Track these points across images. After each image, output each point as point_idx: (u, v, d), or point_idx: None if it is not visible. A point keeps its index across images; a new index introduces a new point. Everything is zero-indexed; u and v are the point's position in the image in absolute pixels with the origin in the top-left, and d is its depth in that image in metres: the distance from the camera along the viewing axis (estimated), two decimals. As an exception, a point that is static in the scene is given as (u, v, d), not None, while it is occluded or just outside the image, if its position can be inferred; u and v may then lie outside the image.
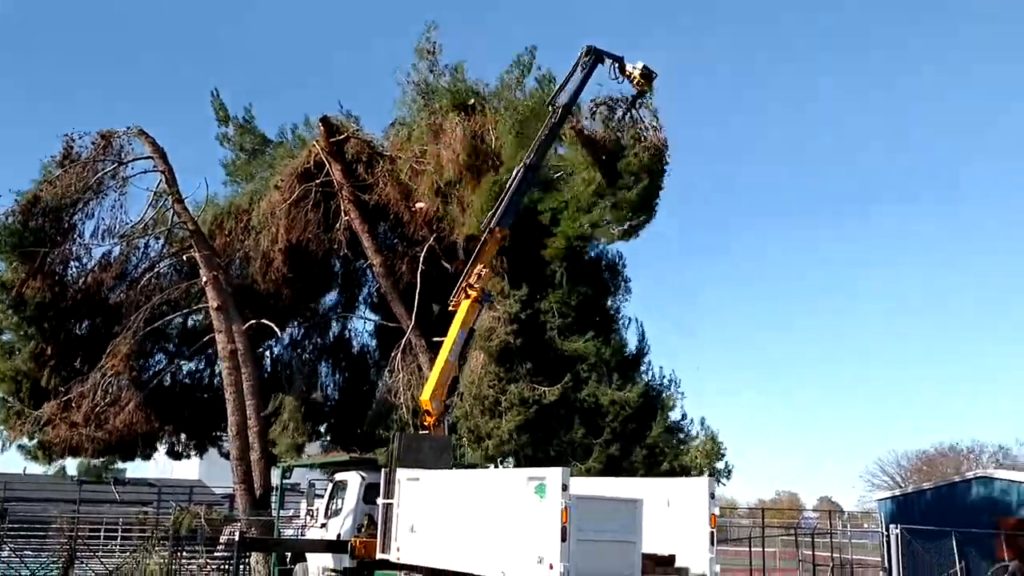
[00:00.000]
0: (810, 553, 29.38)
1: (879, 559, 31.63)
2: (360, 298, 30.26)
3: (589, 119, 20.92)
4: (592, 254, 24.58)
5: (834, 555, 30.05)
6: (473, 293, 17.31)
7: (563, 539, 10.50)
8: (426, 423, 16.29)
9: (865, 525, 40.35)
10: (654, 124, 21.00)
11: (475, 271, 17.57)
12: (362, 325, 30.40)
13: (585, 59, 19.31)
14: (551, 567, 10.50)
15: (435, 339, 23.14)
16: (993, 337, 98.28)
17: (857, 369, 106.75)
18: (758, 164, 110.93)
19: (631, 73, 20.02)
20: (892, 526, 30.19)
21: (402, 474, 13.97)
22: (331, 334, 29.94)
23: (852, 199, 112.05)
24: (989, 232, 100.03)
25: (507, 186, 18.95)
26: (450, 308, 17.95)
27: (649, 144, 20.53)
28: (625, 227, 21.60)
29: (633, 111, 21.00)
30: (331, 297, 29.66)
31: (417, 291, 23.75)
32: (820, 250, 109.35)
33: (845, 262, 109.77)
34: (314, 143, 25.53)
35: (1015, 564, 25.02)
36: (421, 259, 24.19)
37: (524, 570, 10.92)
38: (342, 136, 25.03)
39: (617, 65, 19.90)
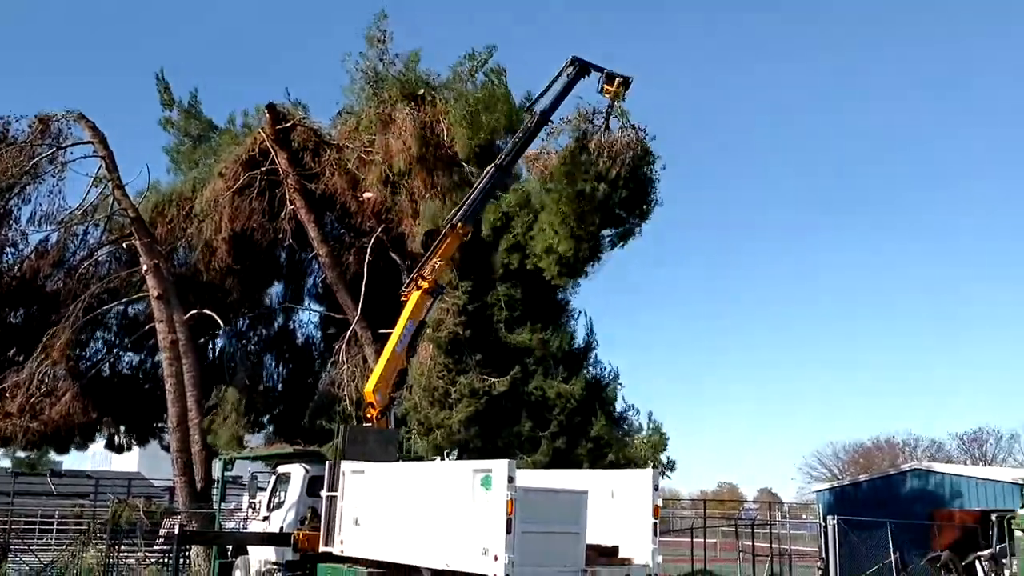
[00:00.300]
0: (750, 544, 29.87)
1: (817, 549, 32.32)
2: (305, 289, 29.95)
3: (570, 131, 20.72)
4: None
5: (773, 546, 30.61)
6: (425, 285, 17.19)
7: (508, 531, 10.52)
8: (369, 416, 16.16)
9: (803, 516, 41.25)
10: (633, 126, 20.74)
11: (430, 264, 17.44)
12: (307, 316, 30.12)
13: (569, 69, 19.03)
14: (496, 559, 10.52)
15: (382, 331, 23.01)
16: (929, 333, 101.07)
17: (796, 363, 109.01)
18: (687, 150, 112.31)
19: (611, 77, 19.60)
20: (830, 517, 30.86)
21: (346, 466, 13.86)
22: (275, 325, 29.59)
23: (794, 185, 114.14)
24: (929, 226, 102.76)
25: (475, 184, 18.82)
26: (401, 299, 17.81)
27: (631, 146, 20.34)
28: (621, 230, 21.65)
29: (611, 119, 20.63)
30: (276, 288, 29.33)
31: (364, 282, 23.56)
32: (763, 241, 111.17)
33: (788, 254, 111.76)
34: (260, 130, 25.15)
35: (947, 554, 25.73)
36: (368, 250, 23.99)
37: (469, 562, 10.93)
38: (288, 124, 24.70)
39: (603, 77, 19.57)
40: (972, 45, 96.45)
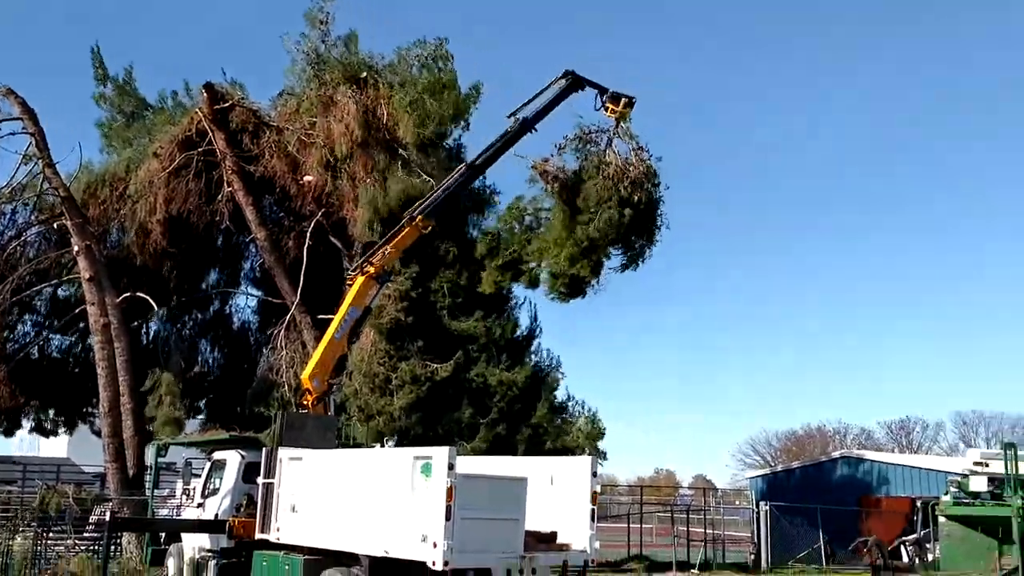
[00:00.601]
0: (685, 529, 30.41)
1: (749, 534, 33.05)
2: (243, 273, 29.53)
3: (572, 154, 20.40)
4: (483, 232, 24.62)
5: (707, 531, 31.17)
6: (371, 270, 16.86)
7: (447, 518, 10.51)
8: (306, 402, 15.99)
9: (737, 502, 42.09)
10: (638, 148, 20.35)
11: (382, 251, 17.12)
12: (244, 301, 29.69)
13: (561, 81, 18.44)
14: (435, 545, 10.50)
15: (321, 316, 22.78)
16: (859, 325, 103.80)
17: (732, 352, 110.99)
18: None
19: (615, 99, 19.17)
20: (762, 503, 31.60)
21: (284, 453, 13.68)
22: (211, 309, 29.11)
23: (717, 171, 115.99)
24: (862, 215, 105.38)
25: (444, 181, 18.47)
26: (346, 284, 17.56)
27: (639, 172, 19.99)
28: (631, 254, 21.36)
29: (613, 141, 20.29)
30: (212, 271, 28.80)
31: (303, 267, 23.27)
32: (693, 225, 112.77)
33: (719, 239, 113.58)
34: (196, 110, 24.62)
35: (874, 539, 26.53)
36: (308, 234, 23.71)
37: (408, 549, 10.89)
38: (226, 104, 24.21)
39: (606, 97, 19.11)
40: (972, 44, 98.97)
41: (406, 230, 17.31)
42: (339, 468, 12.86)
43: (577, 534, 12.33)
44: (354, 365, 21.28)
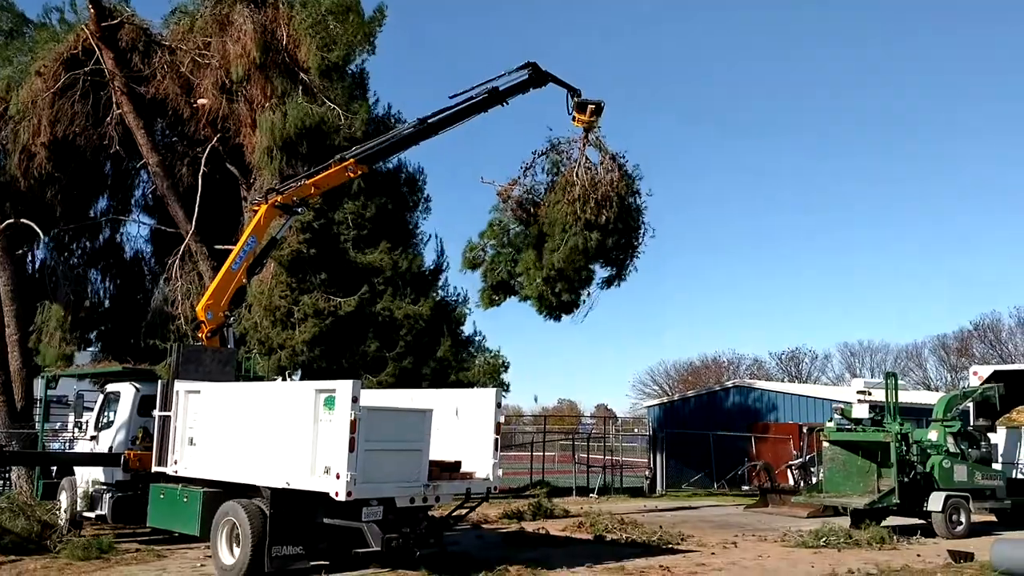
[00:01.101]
0: (585, 456, 31.31)
1: (647, 460, 34.27)
2: (134, 200, 28.26)
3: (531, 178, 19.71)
4: (390, 166, 24.20)
5: (606, 457, 32.16)
6: (278, 199, 16.22)
7: (351, 450, 10.53)
8: (201, 335, 15.60)
9: (635, 430, 43.46)
10: (612, 157, 19.53)
11: (298, 184, 16.45)
12: (137, 229, 28.55)
13: (522, 72, 17.18)
14: (338, 476, 10.52)
15: (218, 247, 22.13)
16: (752, 258, 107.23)
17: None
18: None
19: (582, 106, 18.18)
20: (659, 430, 32.77)
21: (181, 386, 13.39)
22: (101, 238, 27.86)
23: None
24: (760, 144, 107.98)
25: (392, 132, 17.48)
26: (248, 212, 16.97)
27: (607, 188, 19.15)
28: (614, 271, 20.79)
29: (585, 152, 19.40)
30: (102, 198, 27.51)
31: (198, 195, 22.47)
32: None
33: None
34: (82, 27, 23.14)
35: (762, 463, 27.86)
36: (203, 160, 22.84)
37: (311, 480, 10.89)
38: (115, 21, 22.82)
39: (571, 96, 18.07)
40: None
41: (333, 169, 16.54)
42: (239, 401, 12.68)
43: (481, 463, 12.53)
44: (254, 298, 20.80)
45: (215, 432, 12.60)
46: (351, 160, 16.53)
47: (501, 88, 16.98)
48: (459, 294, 24.69)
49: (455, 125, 17.09)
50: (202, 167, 22.70)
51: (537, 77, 17.31)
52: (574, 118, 18.52)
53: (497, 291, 20.69)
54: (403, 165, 24.51)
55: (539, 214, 19.50)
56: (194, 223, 22.65)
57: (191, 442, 12.94)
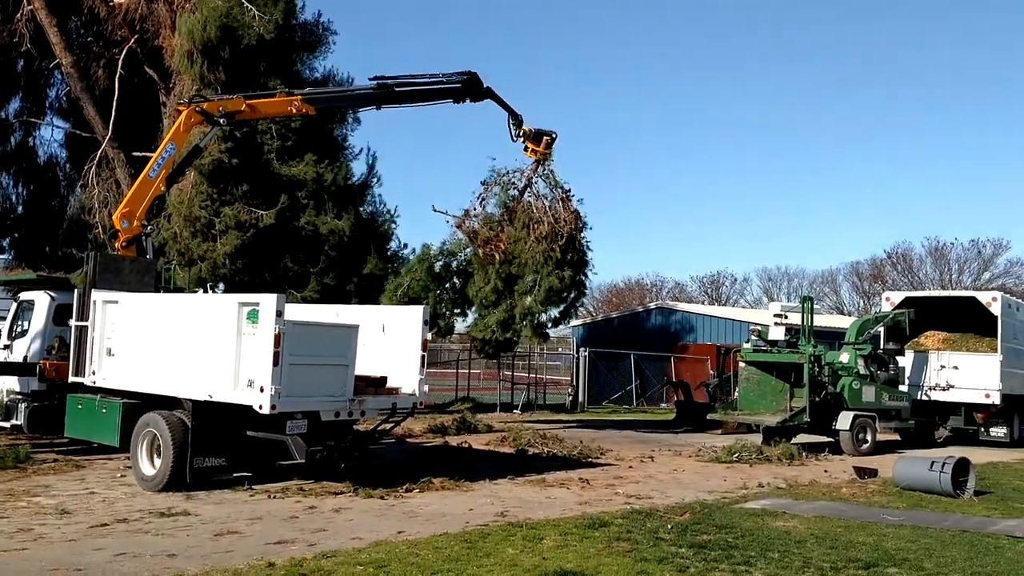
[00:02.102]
0: (510, 374, 31.76)
1: (570, 378, 34.98)
2: (48, 102, 27.02)
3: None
4: (318, 75, 23.45)
5: (531, 375, 32.71)
6: (203, 105, 15.49)
7: (275, 363, 10.46)
8: (116, 244, 15.12)
9: (560, 349, 44.14)
10: (565, 195, 19.35)
11: (232, 99, 15.75)
12: (51, 133, 27.39)
13: (459, 76, 16.59)
14: (262, 390, 10.48)
15: (137, 154, 21.34)
16: (676, 181, 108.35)
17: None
18: None
19: (527, 133, 17.72)
20: (582, 349, 33.40)
21: (98, 295, 13.02)
22: (13, 140, 26.63)
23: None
24: (682, 60, 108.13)
25: (349, 88, 16.93)
26: (168, 118, 16.28)
27: (570, 225, 19.10)
28: (561, 309, 20.72)
29: (533, 183, 19.20)
30: (13, 99, 26.15)
31: (115, 98, 21.53)
32: (536, 75, 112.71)
33: (554, 87, 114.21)
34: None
35: (680, 381, 28.70)
36: (120, 63, 21.81)
37: (234, 393, 10.81)
38: (23, -93, 21.38)
39: (513, 121, 17.58)
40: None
41: (277, 99, 16.07)
42: (160, 312, 12.43)
43: (407, 379, 12.60)
44: (173, 207, 20.19)
45: (135, 343, 12.36)
46: (298, 97, 16.05)
47: (433, 88, 16.65)
48: (388, 210, 24.34)
49: (405, 104, 16.69)
50: (119, 70, 21.72)
51: (470, 89, 16.77)
52: (526, 148, 18.21)
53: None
54: (332, 75, 23.77)
55: (498, 249, 19.29)
56: (111, 128, 21.77)
57: (109, 353, 12.68)
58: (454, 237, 20.71)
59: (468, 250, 20.75)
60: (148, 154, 16.49)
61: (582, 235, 19.95)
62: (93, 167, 21.97)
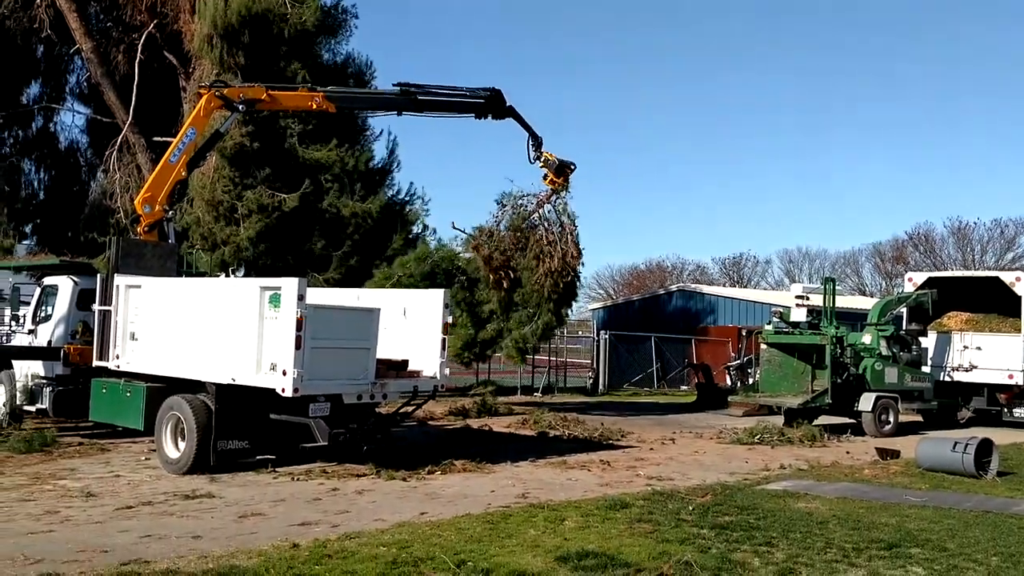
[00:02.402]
0: (531, 357, 31.72)
1: (590, 361, 34.94)
2: (68, 88, 27.23)
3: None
4: (338, 60, 23.44)
5: (552, 358, 32.68)
6: (224, 91, 15.48)
7: (298, 347, 10.51)
8: (139, 229, 15.21)
9: (580, 332, 44.10)
10: (571, 225, 19.40)
11: (254, 87, 15.78)
12: (71, 119, 27.59)
13: (483, 91, 16.88)
14: (284, 373, 10.54)
15: (157, 139, 21.42)
16: (698, 164, 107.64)
17: (582, 190, 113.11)
18: None
19: (549, 162, 17.90)
20: (602, 332, 33.33)
21: (121, 280, 13.13)
22: (34, 126, 26.85)
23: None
24: (700, 50, 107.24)
25: (373, 90, 17.54)
26: (187, 103, 16.31)
27: (574, 258, 19.27)
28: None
29: (543, 209, 19.19)
30: (34, 84, 26.33)
31: (135, 83, 21.61)
32: (510, 60, 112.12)
33: (567, 75, 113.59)
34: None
35: (701, 363, 28.62)
36: (140, 47, 21.87)
37: (257, 377, 10.88)
38: None
39: (532, 143, 17.69)
40: None
41: (299, 93, 16.14)
42: (183, 297, 12.51)
43: (428, 362, 12.64)
44: (195, 192, 20.30)
45: (158, 327, 12.45)
46: (320, 94, 16.07)
47: (456, 101, 16.87)
48: (412, 192, 24.35)
49: (426, 113, 16.83)
50: (139, 54, 21.80)
51: (493, 106, 17.01)
52: (546, 176, 18.34)
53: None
54: (351, 58, 23.76)
55: (507, 278, 19.40)
56: (131, 113, 21.87)
57: (133, 337, 12.78)
58: (464, 249, 20.89)
59: (465, 255, 20.94)
60: (169, 139, 16.52)
61: (580, 268, 20.19)
62: (114, 152, 22.10)
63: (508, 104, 17.14)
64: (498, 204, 19.80)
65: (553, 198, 19.15)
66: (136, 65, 21.85)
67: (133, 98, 21.92)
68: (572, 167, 18.47)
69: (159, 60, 22.94)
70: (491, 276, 19.46)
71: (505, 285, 19.39)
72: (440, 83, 16.81)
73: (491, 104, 17.00)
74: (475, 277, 20.40)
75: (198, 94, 16.29)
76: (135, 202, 15.53)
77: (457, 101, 17.02)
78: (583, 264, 20.15)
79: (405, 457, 12.41)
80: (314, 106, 16.15)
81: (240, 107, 15.59)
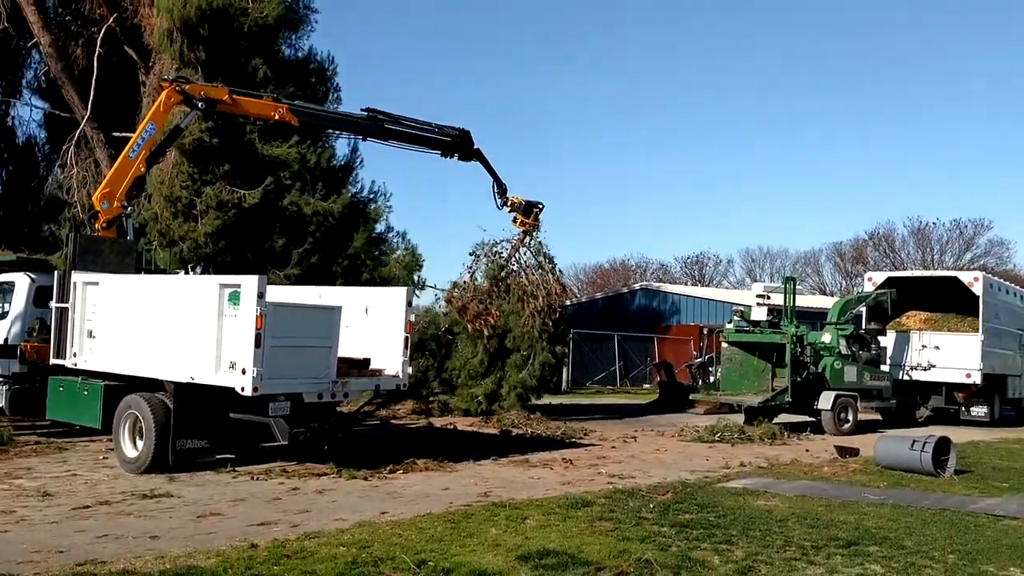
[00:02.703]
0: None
1: (554, 360, 34.99)
2: (25, 82, 26.63)
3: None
4: (299, 55, 23.20)
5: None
6: (185, 87, 15.24)
7: (257, 345, 10.40)
8: (96, 225, 14.95)
9: (544, 330, 44.14)
10: (550, 264, 19.48)
11: (217, 87, 15.56)
12: (29, 113, 27.08)
13: (452, 131, 17.06)
14: (244, 372, 10.43)
15: (116, 134, 21.10)
16: (659, 162, 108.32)
17: (546, 189, 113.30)
18: None
19: (516, 205, 18.37)
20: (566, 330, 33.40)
21: (78, 277, 12.91)
22: (-11, 121, 26.29)
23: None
24: (660, 46, 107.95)
25: (337, 110, 17.71)
26: (147, 97, 16.03)
27: (557, 299, 19.27)
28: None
29: (520, 252, 19.30)
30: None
31: (94, 78, 21.24)
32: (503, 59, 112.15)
33: (523, 75, 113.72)
34: None
35: (663, 361, 28.81)
36: (99, 41, 21.50)
37: (216, 376, 10.76)
38: None
39: (497, 189, 18.20)
40: None
41: (262, 101, 15.93)
42: (141, 294, 12.33)
43: (391, 361, 12.58)
44: (153, 188, 19.97)
45: (116, 325, 12.27)
46: (285, 106, 15.94)
47: (423, 135, 17.03)
48: (375, 190, 24.17)
49: (391, 142, 16.93)
50: (98, 48, 21.44)
51: (460, 146, 17.33)
52: (516, 219, 18.75)
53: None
54: (312, 54, 23.51)
55: (487, 324, 19.26)
56: (90, 108, 21.50)
57: (90, 335, 12.59)
58: (440, 304, 21.01)
59: (444, 310, 20.90)
60: (128, 134, 16.26)
61: (567, 304, 20.21)
62: (72, 147, 21.73)
63: (476, 147, 17.42)
64: (472, 255, 20.05)
65: (527, 240, 19.41)
66: (95, 59, 21.48)
67: (92, 92, 21.54)
68: (540, 206, 18.97)
69: (119, 54, 22.58)
70: (469, 326, 19.35)
71: (486, 333, 19.21)
72: (409, 114, 17.02)
73: (458, 144, 17.27)
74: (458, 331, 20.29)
75: (159, 88, 16.03)
76: (93, 198, 15.26)
77: (424, 136, 17.18)
78: (570, 301, 20.30)
79: (367, 456, 12.34)
80: (276, 117, 15.99)
81: (200, 105, 15.34)
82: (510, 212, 18.80)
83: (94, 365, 12.40)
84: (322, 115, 17.28)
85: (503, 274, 19.65)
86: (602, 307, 41.90)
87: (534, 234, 19.37)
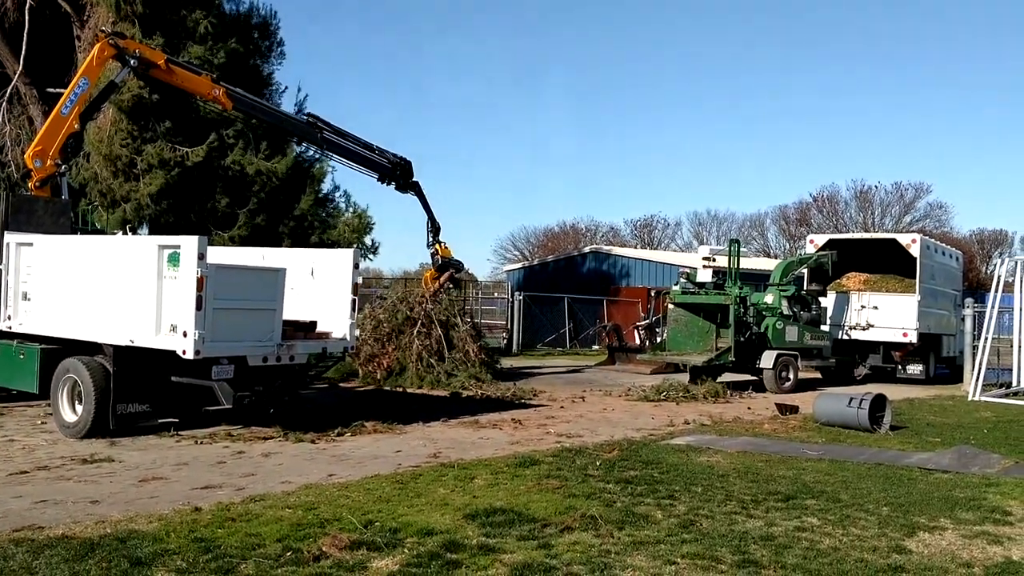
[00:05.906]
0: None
1: (505, 322, 35.08)
2: (-47, 36, 25.52)
3: None
4: (241, 9, 22.65)
5: (466, 319, 32.64)
6: (118, 41, 14.72)
7: (198, 308, 10.20)
8: (29, 184, 14.48)
9: (496, 294, 44.20)
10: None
11: (153, 49, 14.98)
12: (-43, 68, 25.89)
13: (393, 157, 16.98)
14: (185, 335, 10.24)
15: (51, 90, 20.43)
16: (611, 129, 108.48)
17: (494, 154, 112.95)
18: None
19: (438, 251, 18.42)
20: (517, 294, 33.50)
21: (11, 238, 12.52)
22: (-86, 76, 25.17)
23: None
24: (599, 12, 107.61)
25: (279, 110, 17.39)
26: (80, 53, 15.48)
27: None
28: None
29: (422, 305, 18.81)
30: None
31: (26, 32, 20.46)
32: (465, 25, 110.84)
33: (486, 34, 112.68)
34: None
35: (612, 324, 29.05)
36: (30, -6, 20.70)
37: (156, 339, 10.54)
38: None
39: (431, 227, 18.26)
40: None
41: (202, 79, 15.42)
42: (78, 255, 12.00)
43: (338, 324, 12.46)
44: (92, 146, 19.42)
45: (52, 287, 11.95)
46: (223, 89, 15.52)
47: (362, 154, 16.88)
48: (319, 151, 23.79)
49: (327, 152, 16.99)
50: (29, 1, 20.58)
51: (399, 174, 17.20)
52: (428, 272, 18.88)
53: None
54: (254, 8, 22.97)
55: (381, 366, 18.74)
56: (22, 63, 20.76)
57: (25, 297, 12.25)
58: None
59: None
60: (62, 90, 15.71)
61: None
62: (4, 103, 21.00)
63: (414, 179, 17.30)
64: (379, 298, 19.95)
65: (438, 296, 18.98)
66: (27, 12, 20.69)
67: (24, 47, 20.78)
68: (457, 268, 19.01)
69: (52, 7, 21.78)
70: (360, 369, 18.46)
71: (379, 376, 18.24)
72: (352, 130, 16.86)
73: (397, 172, 17.13)
74: None
75: (95, 41, 15.49)
76: (26, 156, 14.76)
77: (363, 155, 16.99)
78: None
79: (314, 419, 12.26)
80: (211, 97, 15.61)
81: (132, 62, 14.85)
82: (431, 256, 18.72)
83: (30, 328, 12.08)
84: (259, 107, 16.84)
85: (400, 320, 18.91)
86: (553, 270, 42.07)
87: (440, 296, 18.99)
